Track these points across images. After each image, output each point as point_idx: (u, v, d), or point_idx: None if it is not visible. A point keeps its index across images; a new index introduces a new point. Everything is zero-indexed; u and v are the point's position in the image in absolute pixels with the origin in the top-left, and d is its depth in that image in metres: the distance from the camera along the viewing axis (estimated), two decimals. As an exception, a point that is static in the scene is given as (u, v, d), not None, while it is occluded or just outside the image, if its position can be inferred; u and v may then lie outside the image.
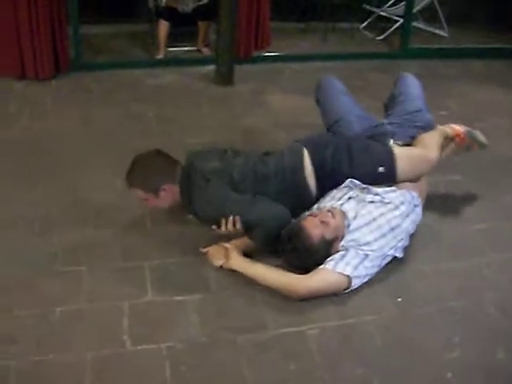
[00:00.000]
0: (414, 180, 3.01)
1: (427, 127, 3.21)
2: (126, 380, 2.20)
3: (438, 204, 3.34)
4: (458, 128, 3.25)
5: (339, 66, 5.46)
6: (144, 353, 2.31)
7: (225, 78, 5.14)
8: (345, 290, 2.60)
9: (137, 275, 2.73)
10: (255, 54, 5.79)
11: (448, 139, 3.22)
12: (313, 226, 2.64)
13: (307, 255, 2.62)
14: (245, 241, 2.82)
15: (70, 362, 2.25)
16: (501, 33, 6.70)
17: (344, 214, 2.75)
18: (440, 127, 3.27)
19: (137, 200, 2.93)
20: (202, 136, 4.12)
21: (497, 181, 3.64)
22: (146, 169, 2.85)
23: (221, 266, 2.76)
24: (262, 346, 2.37)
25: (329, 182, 2.94)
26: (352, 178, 2.92)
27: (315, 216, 2.70)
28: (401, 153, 3.01)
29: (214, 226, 2.81)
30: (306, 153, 2.96)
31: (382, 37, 6.72)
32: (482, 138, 3.22)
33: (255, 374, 2.24)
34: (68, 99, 4.76)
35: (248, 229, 2.78)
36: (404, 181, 2.98)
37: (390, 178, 2.95)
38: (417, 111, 3.27)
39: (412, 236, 2.94)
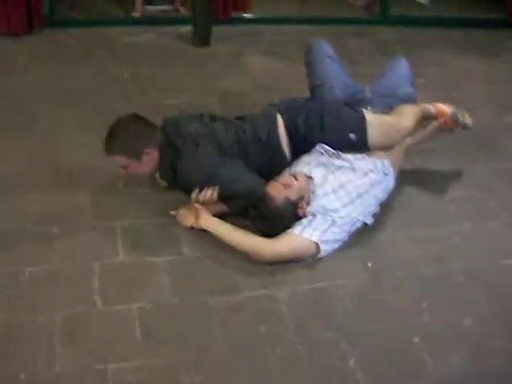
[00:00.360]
0: (386, 148, 3.02)
1: (408, 100, 3.21)
2: (97, 339, 2.20)
3: (411, 173, 3.35)
4: (444, 108, 3.24)
5: (318, 30, 5.40)
6: (115, 313, 2.31)
7: (202, 38, 5.07)
8: (313, 255, 2.61)
9: (108, 236, 2.72)
10: (234, 15, 5.70)
11: (430, 117, 3.22)
12: (275, 190, 2.65)
13: (274, 219, 2.63)
14: (217, 204, 2.81)
15: (40, 321, 2.24)
16: (481, 2, 6.68)
17: (307, 177, 2.76)
18: (423, 104, 3.27)
19: (111, 161, 2.88)
20: (178, 97, 4.07)
21: (470, 150, 3.66)
22: (127, 133, 2.78)
23: (191, 227, 2.75)
24: (233, 308, 2.38)
25: (301, 146, 2.95)
26: (323, 143, 2.92)
27: (276, 180, 2.72)
28: (372, 120, 3.01)
29: (194, 192, 2.78)
30: (279, 118, 2.96)
31: (362, 2, 6.66)
32: (467, 119, 3.20)
33: (225, 335, 2.25)
34: (41, 56, 4.66)
35: (227, 197, 2.77)
36: (376, 148, 2.98)
37: (361, 145, 2.96)
38: (400, 84, 3.29)
39: (385, 204, 2.96)
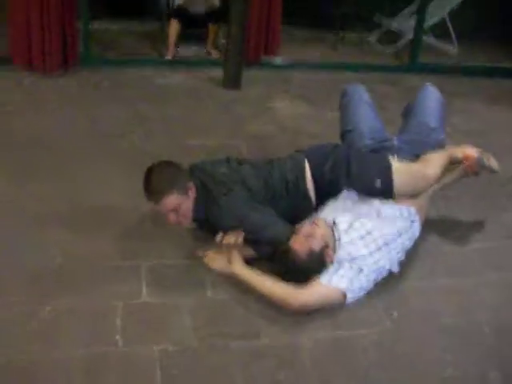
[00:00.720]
0: (412, 195, 3.01)
1: (437, 147, 3.20)
2: (116, 380, 2.18)
3: (437, 221, 3.33)
4: (470, 152, 3.22)
5: (348, 77, 5.45)
6: (136, 354, 2.30)
7: (232, 81, 5.15)
8: (340, 304, 2.59)
9: (133, 275, 2.72)
10: (264, 59, 5.79)
11: (456, 162, 3.21)
12: (298, 243, 2.63)
13: (302, 272, 2.60)
14: (246, 249, 2.81)
15: (59, 358, 2.24)
16: (509, 51, 6.70)
17: (329, 223, 2.75)
18: (450, 149, 3.25)
19: (143, 203, 2.85)
20: (205, 138, 4.12)
21: (496, 199, 3.64)
22: (169, 173, 2.75)
23: (219, 271, 2.75)
24: (255, 353, 2.35)
25: (327, 192, 2.96)
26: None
27: (298, 233, 2.69)
28: (399, 168, 3.00)
29: (219, 235, 2.78)
30: (306, 164, 2.97)
31: (391, 50, 6.72)
32: (493, 163, 3.17)
33: (247, 381, 2.23)
34: (75, 95, 4.77)
35: (257, 243, 2.78)
36: (402, 196, 2.97)
37: (387, 192, 2.95)
38: (431, 129, 3.25)
39: (410, 252, 2.93)
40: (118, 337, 2.36)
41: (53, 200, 3.25)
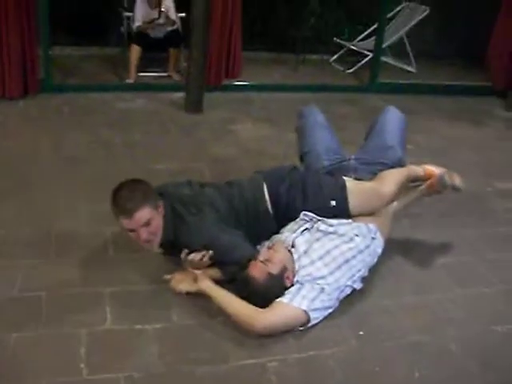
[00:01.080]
0: (369, 214, 3.03)
1: (395, 165, 3.23)
2: (81, 410, 2.15)
3: (400, 239, 3.36)
4: (432, 170, 3.27)
5: (309, 97, 5.50)
6: (101, 382, 2.26)
7: (194, 105, 5.16)
8: (304, 324, 2.59)
9: (96, 302, 2.68)
10: (225, 82, 5.82)
11: (418, 179, 3.25)
12: (256, 269, 2.63)
13: (262, 296, 2.59)
14: (212, 270, 2.80)
15: (23, 390, 2.19)
16: (469, 70, 6.85)
17: (286, 246, 2.77)
18: (411, 167, 3.30)
19: (105, 228, 2.82)
20: (168, 162, 4.11)
21: (458, 215, 3.69)
22: (140, 188, 2.72)
23: (186, 293, 2.73)
24: (221, 378, 2.33)
25: (284, 214, 2.98)
26: (306, 211, 2.95)
27: (256, 259, 2.69)
28: (353, 187, 3.04)
29: (184, 252, 2.76)
30: (264, 185, 2.99)
31: (351, 70, 6.82)
32: (457, 181, 3.19)
33: (213, 406, 2.21)
34: (36, 120, 4.72)
35: (223, 264, 2.78)
36: (358, 215, 3.00)
37: (342, 212, 2.98)
38: (388, 147, 3.29)
39: (375, 270, 2.95)
40: (82, 365, 2.32)
41: (14, 225, 3.20)
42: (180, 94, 5.29)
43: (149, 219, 2.67)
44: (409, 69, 7.01)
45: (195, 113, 5.13)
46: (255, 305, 2.58)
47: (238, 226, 2.87)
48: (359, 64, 6.77)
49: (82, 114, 4.92)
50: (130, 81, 5.83)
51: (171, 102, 5.34)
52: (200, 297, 2.69)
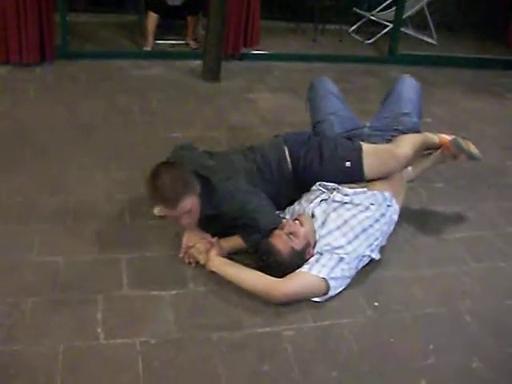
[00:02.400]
0: (384, 177, 3.00)
1: (410, 132, 3.20)
2: (98, 373, 2.16)
3: (418, 211, 3.35)
4: (447, 139, 3.25)
5: (327, 68, 5.46)
6: (117, 347, 2.28)
7: (212, 73, 5.12)
8: (324, 294, 2.58)
9: (113, 268, 2.69)
10: (244, 51, 5.77)
11: (433, 147, 3.22)
12: (280, 241, 2.62)
13: (283, 269, 2.59)
14: (231, 242, 2.80)
15: (41, 353, 2.21)
16: (489, 43, 6.75)
17: (311, 218, 2.76)
18: (426, 134, 3.26)
19: (121, 196, 2.82)
20: (185, 131, 4.10)
21: (477, 189, 3.66)
22: (181, 175, 2.64)
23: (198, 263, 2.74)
24: (237, 344, 2.35)
25: (302, 179, 2.98)
26: (322, 175, 2.95)
27: (282, 229, 2.67)
28: (368, 148, 3.04)
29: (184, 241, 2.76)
30: (286, 148, 3.00)
31: (370, 41, 6.74)
32: (474, 150, 3.18)
33: (229, 372, 2.22)
34: (52, 87, 4.71)
35: (248, 229, 2.75)
36: (374, 177, 2.98)
37: (357, 173, 2.96)
38: (404, 114, 3.26)
39: (391, 240, 2.95)
40: (99, 330, 2.34)
41: (31, 193, 3.21)
42: (197, 62, 5.25)
43: (190, 208, 2.64)
44: (429, 40, 6.91)
45: (213, 81, 5.09)
46: (272, 275, 2.58)
47: (264, 189, 2.85)
48: (379, 35, 6.67)
49: (99, 82, 4.90)
50: (148, 48, 5.79)
51: (188, 70, 5.31)
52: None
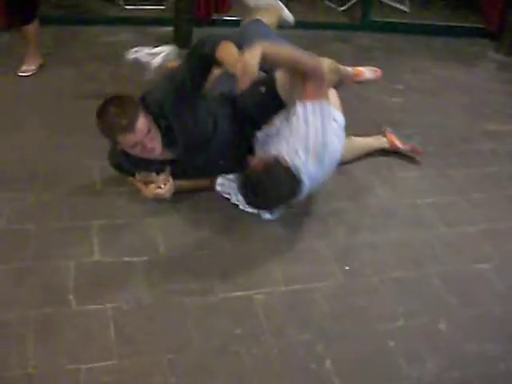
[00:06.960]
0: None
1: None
2: (70, 340, 2.17)
3: (389, 177, 3.37)
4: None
5: (300, 35, 5.41)
6: (89, 313, 2.29)
7: (183, 39, 5.05)
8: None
9: (84, 235, 2.68)
10: (215, 17, 5.69)
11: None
12: (254, 162, 2.61)
13: (273, 185, 2.54)
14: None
15: (11, 320, 2.21)
16: (462, 11, 6.74)
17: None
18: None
19: (91, 162, 2.80)
20: (157, 97, 4.04)
21: (447, 156, 3.69)
22: (125, 99, 2.68)
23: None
24: (209, 308, 2.37)
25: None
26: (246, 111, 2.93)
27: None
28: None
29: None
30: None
31: (343, 7, 6.69)
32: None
33: (201, 336, 2.24)
34: (19, 54, 4.60)
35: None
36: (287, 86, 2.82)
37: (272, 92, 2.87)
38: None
39: (363, 206, 2.98)
40: (71, 296, 2.34)
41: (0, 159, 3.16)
42: (168, 29, 5.18)
43: (149, 125, 2.64)
44: (402, 8, 6.88)
45: (183, 48, 5.02)
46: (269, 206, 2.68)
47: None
48: (351, 1, 6.63)
49: (67, 47, 4.80)
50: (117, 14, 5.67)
51: (159, 36, 5.22)
52: (186, 226, 2.77)
